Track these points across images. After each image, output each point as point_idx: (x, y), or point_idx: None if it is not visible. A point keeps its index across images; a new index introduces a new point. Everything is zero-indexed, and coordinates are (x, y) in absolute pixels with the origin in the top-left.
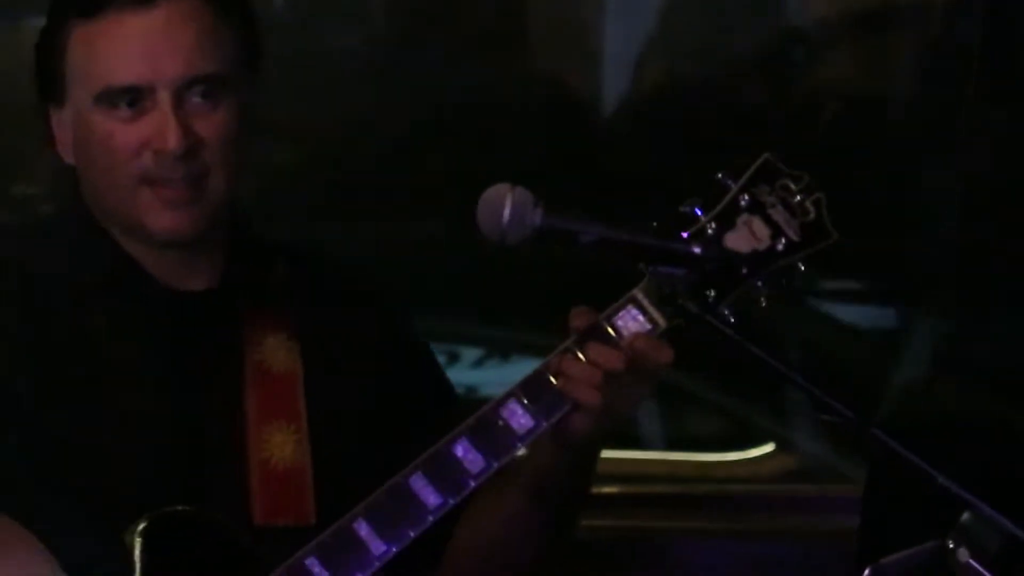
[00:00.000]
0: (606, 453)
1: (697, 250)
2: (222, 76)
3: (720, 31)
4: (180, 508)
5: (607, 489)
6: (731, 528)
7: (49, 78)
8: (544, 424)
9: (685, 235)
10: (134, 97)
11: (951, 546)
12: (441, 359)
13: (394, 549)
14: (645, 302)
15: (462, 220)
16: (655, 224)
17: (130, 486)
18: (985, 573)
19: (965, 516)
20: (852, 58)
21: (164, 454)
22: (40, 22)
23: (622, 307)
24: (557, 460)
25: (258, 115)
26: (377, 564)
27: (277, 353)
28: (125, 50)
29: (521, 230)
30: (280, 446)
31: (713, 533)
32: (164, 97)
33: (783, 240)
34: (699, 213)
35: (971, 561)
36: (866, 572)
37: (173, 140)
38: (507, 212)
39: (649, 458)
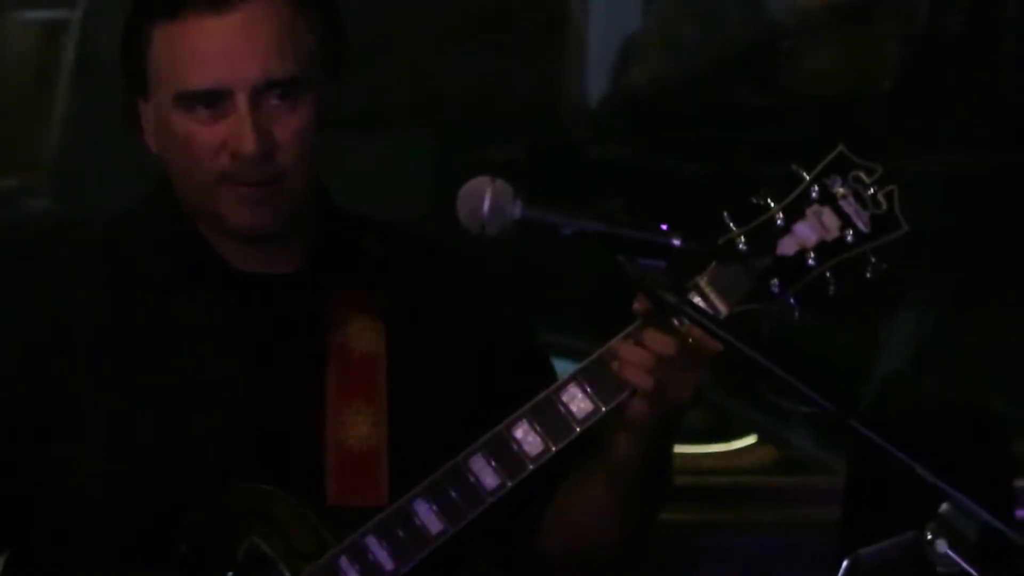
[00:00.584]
0: None
1: (676, 242)
2: (300, 77)
3: (705, 25)
4: (246, 485)
5: None
6: (713, 520)
7: (134, 73)
8: (603, 408)
9: (664, 227)
10: (212, 100)
11: (929, 537)
12: None
13: (451, 530)
14: (707, 289)
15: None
16: (727, 213)
17: (206, 469)
18: (963, 564)
19: (943, 507)
20: (837, 50)
21: (241, 436)
22: (26, 15)
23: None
24: (626, 448)
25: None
26: (434, 543)
27: (362, 334)
28: (203, 54)
29: (501, 222)
30: (357, 427)
31: (695, 525)
32: (241, 100)
33: (852, 231)
34: (771, 204)
35: (949, 552)
36: (845, 563)
37: (249, 144)
38: (487, 204)
39: None
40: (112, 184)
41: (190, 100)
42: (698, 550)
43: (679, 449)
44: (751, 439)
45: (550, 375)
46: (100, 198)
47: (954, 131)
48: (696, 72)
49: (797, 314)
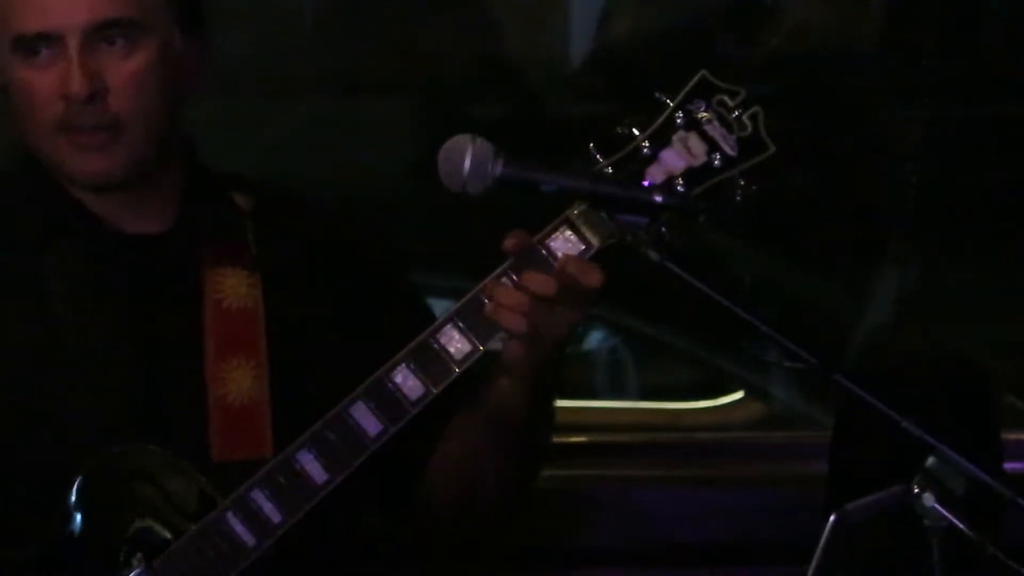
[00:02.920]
0: (574, 403)
1: (659, 199)
2: (136, 21)
3: None
4: (128, 446)
5: (576, 438)
6: (701, 476)
7: None
8: (480, 348)
9: (647, 183)
10: (44, 44)
11: (916, 491)
12: None
13: (336, 478)
14: (579, 222)
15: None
16: (593, 145)
17: (86, 430)
18: (950, 517)
19: (930, 460)
20: (819, 4)
21: (119, 396)
22: None
23: (555, 228)
24: (504, 391)
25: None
26: (320, 493)
27: (238, 289)
28: None
29: (482, 180)
30: (238, 382)
31: (683, 481)
32: (72, 43)
33: (719, 155)
34: (635, 133)
35: (936, 505)
36: (832, 518)
37: (76, 86)
38: (468, 163)
39: (618, 407)
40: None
41: (24, 46)
42: (685, 506)
43: (667, 406)
44: (738, 395)
45: (428, 317)
46: None
47: (935, 84)
48: (677, 27)
49: (668, 243)
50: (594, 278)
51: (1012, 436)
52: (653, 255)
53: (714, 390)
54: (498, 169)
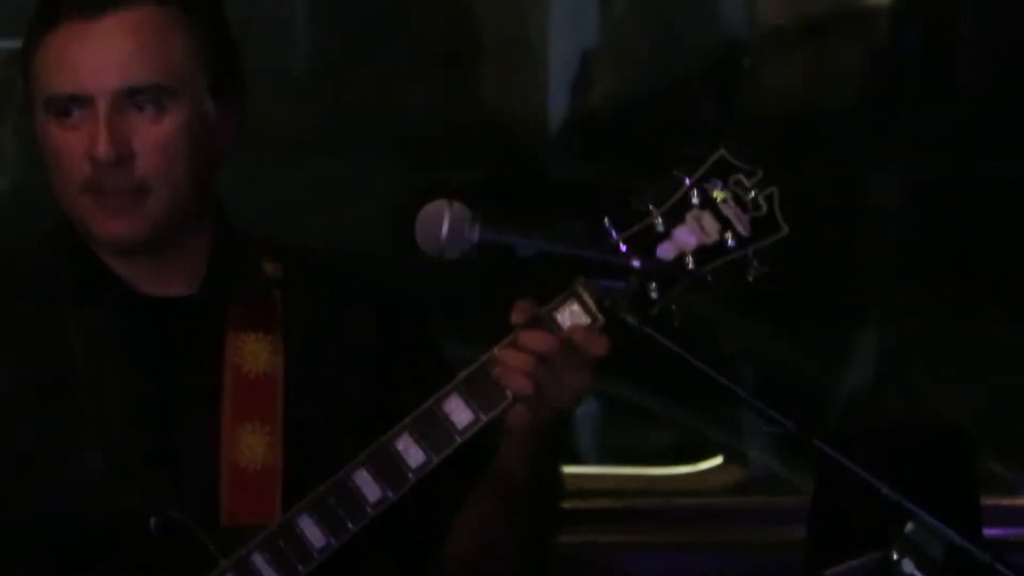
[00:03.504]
0: None
1: (636, 263)
2: (166, 87)
3: (666, 42)
4: (137, 508)
5: None
6: (680, 541)
7: (25, 88)
8: (483, 418)
9: (624, 248)
10: (75, 106)
11: (895, 557)
12: None
13: (335, 543)
14: (585, 296)
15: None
16: (608, 219)
17: (97, 488)
18: None
19: (909, 526)
20: (797, 66)
21: (133, 455)
22: None
23: (562, 301)
24: (509, 458)
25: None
26: (318, 557)
27: (259, 355)
28: (68, 60)
29: (460, 245)
30: (252, 447)
31: (662, 546)
32: (101, 105)
33: (731, 235)
34: (651, 208)
35: (916, 572)
36: None
37: (103, 148)
38: (445, 228)
39: (597, 473)
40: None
41: (56, 106)
42: (665, 571)
43: (646, 471)
44: (717, 460)
45: (436, 366)
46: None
47: (914, 145)
48: (655, 89)
49: (676, 321)
50: (599, 346)
51: (992, 501)
52: (631, 320)
53: (693, 455)
54: (475, 234)
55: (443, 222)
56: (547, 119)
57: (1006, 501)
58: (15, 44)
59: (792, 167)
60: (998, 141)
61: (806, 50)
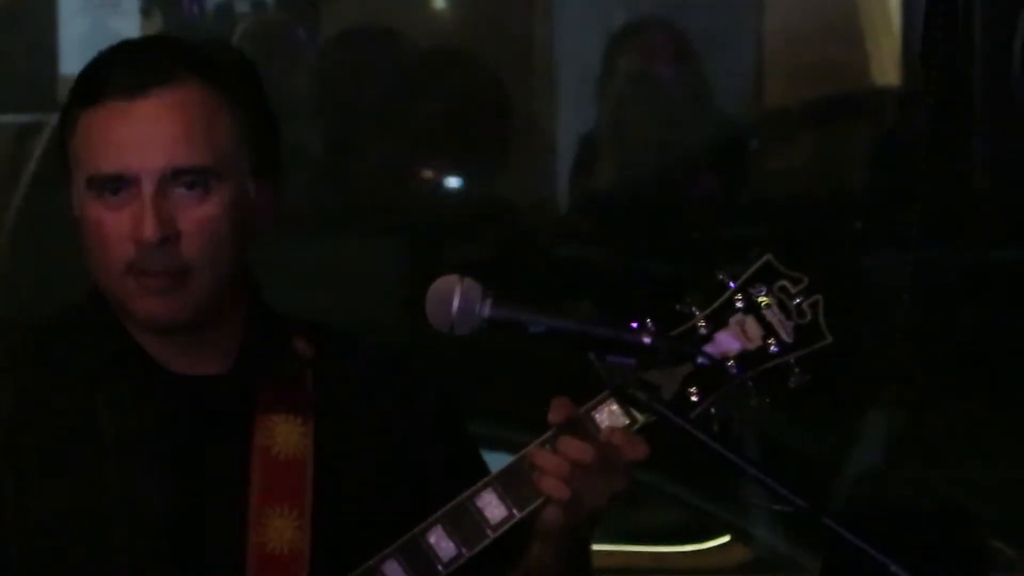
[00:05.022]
0: None
1: (647, 340)
2: (211, 169)
3: (668, 124)
4: None
5: None
6: None
7: (63, 163)
8: (516, 514)
9: (634, 325)
10: (120, 186)
11: None
12: None
13: None
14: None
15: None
16: (649, 320)
17: (124, 567)
18: None
19: None
20: (804, 148)
21: (161, 539)
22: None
23: (602, 401)
24: (541, 556)
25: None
26: None
27: (289, 438)
28: (114, 138)
29: (470, 321)
30: (279, 531)
31: None
32: (146, 186)
33: (774, 341)
34: (695, 312)
35: None
36: None
37: (149, 231)
38: (456, 303)
39: (606, 550)
40: (60, 291)
41: (99, 185)
42: None
43: (654, 549)
44: (724, 539)
45: (481, 471)
46: (46, 304)
47: (922, 227)
48: (661, 171)
49: (715, 425)
50: (639, 451)
51: None
52: (641, 396)
53: (699, 533)
54: (486, 310)
55: (454, 298)
56: (555, 201)
57: None
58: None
59: (797, 248)
60: (1011, 223)
61: (813, 132)
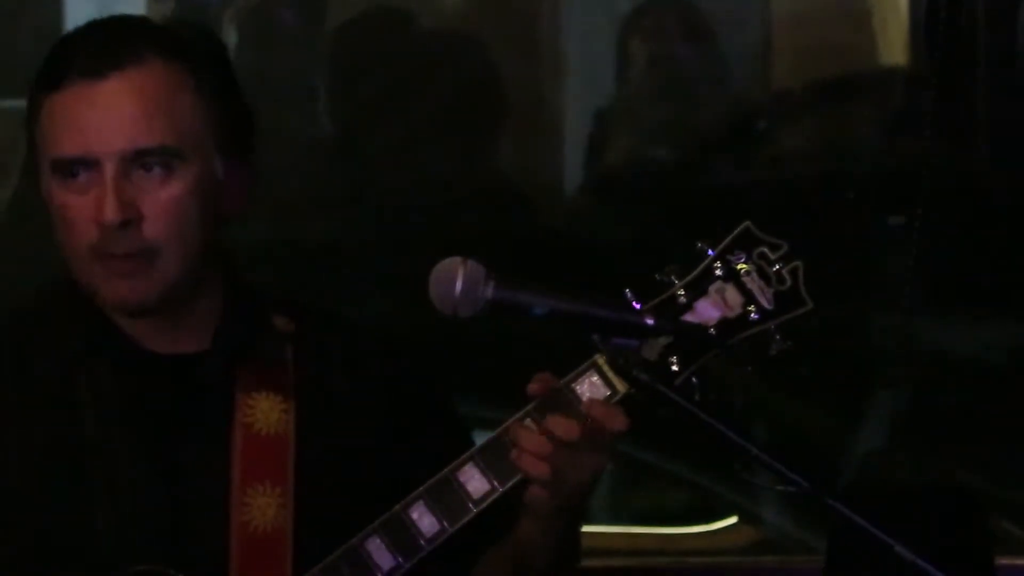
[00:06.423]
0: None
1: (649, 321)
2: (173, 149)
3: (678, 104)
4: (149, 568)
5: None
6: None
7: (31, 151)
8: (499, 488)
9: (638, 306)
10: (82, 169)
11: None
12: None
13: None
14: (605, 367)
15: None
16: (630, 291)
17: (108, 549)
18: None
19: None
20: (814, 129)
21: (143, 516)
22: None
23: (583, 372)
24: (527, 532)
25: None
26: None
27: (269, 415)
28: (74, 122)
29: (473, 303)
30: (262, 509)
31: None
32: (108, 168)
33: (755, 308)
34: (674, 280)
35: None
36: None
37: (110, 213)
38: (459, 285)
39: (611, 532)
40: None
41: (63, 169)
42: None
43: (661, 531)
44: (732, 520)
45: (467, 447)
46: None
47: (928, 206)
48: (672, 152)
49: (697, 394)
50: (619, 422)
51: (1005, 561)
52: (643, 376)
53: (707, 515)
54: (489, 292)
55: (457, 279)
56: (563, 182)
57: (1020, 561)
58: (15, 103)
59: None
60: (1016, 198)
61: (822, 112)
